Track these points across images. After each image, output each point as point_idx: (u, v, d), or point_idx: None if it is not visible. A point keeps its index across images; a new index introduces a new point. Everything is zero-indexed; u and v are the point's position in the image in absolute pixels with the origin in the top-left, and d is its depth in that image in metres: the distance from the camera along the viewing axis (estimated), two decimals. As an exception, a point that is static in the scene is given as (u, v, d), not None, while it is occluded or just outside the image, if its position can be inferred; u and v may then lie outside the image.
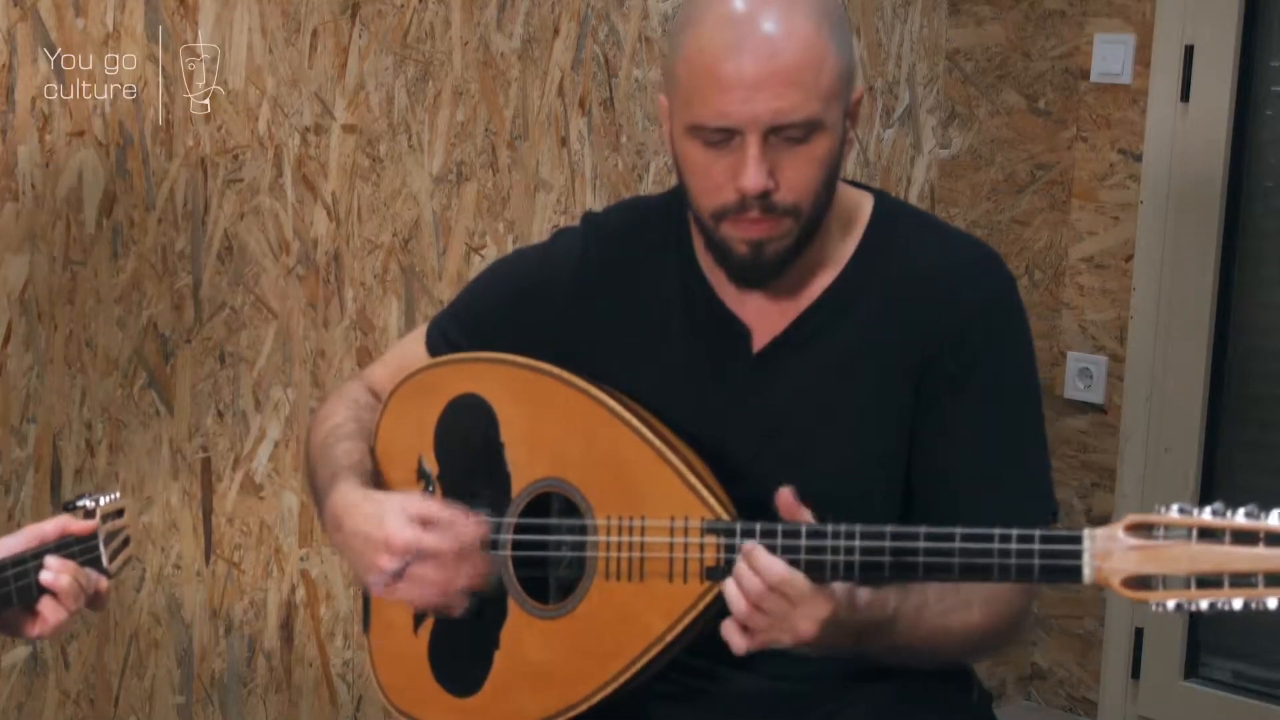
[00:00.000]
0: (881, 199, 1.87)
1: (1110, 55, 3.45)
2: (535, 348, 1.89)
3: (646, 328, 1.87)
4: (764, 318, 1.83)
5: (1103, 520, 3.54)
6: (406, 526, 1.74)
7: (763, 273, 1.77)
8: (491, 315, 1.96)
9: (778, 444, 1.82)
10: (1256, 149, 3.37)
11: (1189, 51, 3.35)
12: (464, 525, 1.76)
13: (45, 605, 1.65)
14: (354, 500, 1.82)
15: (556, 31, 2.83)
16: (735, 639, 1.65)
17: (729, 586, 1.64)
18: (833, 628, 1.64)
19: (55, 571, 1.65)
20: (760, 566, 1.62)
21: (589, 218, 1.96)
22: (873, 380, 1.80)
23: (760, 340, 1.83)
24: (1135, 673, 3.53)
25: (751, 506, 1.78)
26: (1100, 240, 3.53)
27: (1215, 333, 3.40)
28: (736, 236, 1.74)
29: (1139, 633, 3.50)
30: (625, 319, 1.88)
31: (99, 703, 2.47)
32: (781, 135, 1.69)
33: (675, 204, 1.85)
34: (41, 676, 2.41)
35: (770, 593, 1.62)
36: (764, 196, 1.70)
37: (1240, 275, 3.41)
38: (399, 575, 1.75)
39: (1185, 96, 3.36)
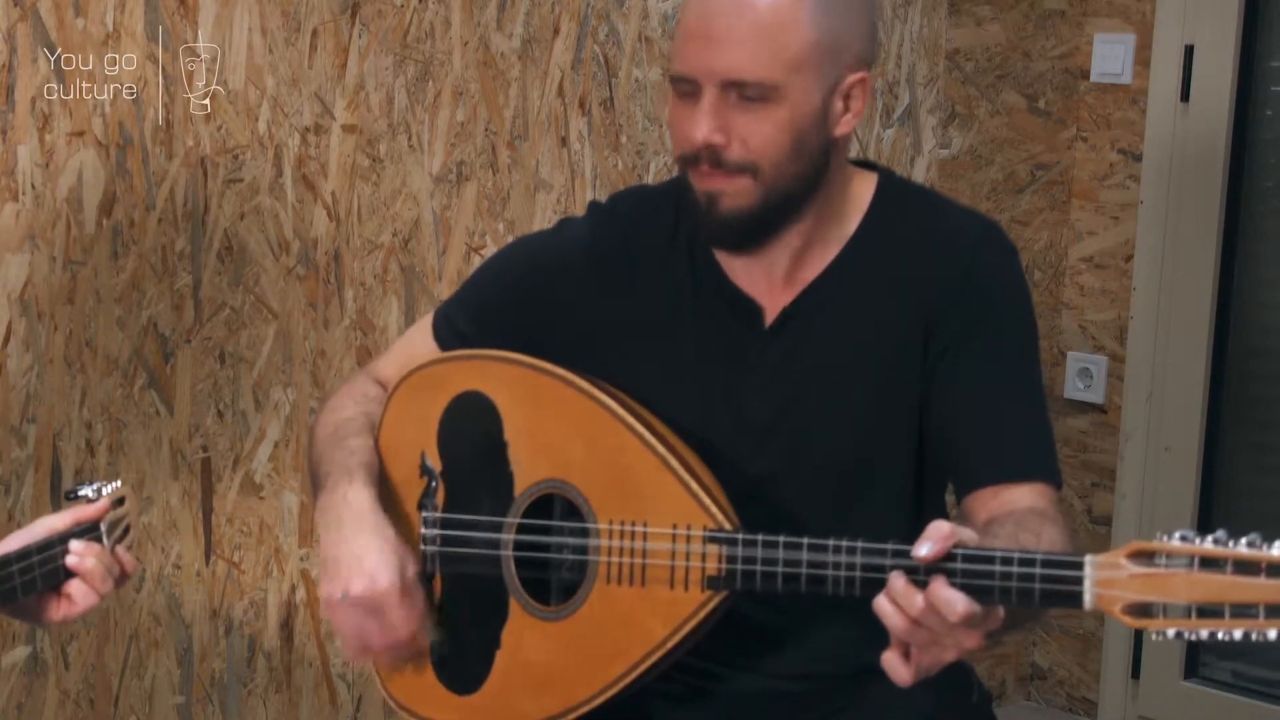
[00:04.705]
0: (886, 177, 1.90)
1: (1110, 55, 3.45)
2: (543, 334, 1.90)
3: (658, 311, 1.88)
4: (773, 294, 1.85)
5: (1103, 520, 3.54)
6: (395, 582, 1.76)
7: (722, 230, 1.80)
8: (498, 302, 1.97)
9: (792, 416, 1.84)
10: (1256, 149, 3.37)
11: (1189, 51, 3.35)
12: (417, 626, 1.80)
13: (75, 588, 1.67)
14: (370, 517, 1.81)
15: (556, 31, 2.83)
16: (899, 670, 1.56)
17: (881, 605, 1.55)
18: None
19: (80, 555, 1.66)
20: (942, 604, 1.51)
21: (595, 206, 1.97)
22: (881, 346, 1.82)
23: (771, 315, 1.85)
24: (1135, 673, 3.53)
25: (769, 482, 1.81)
26: (1100, 240, 3.53)
27: (1215, 333, 3.40)
28: (697, 187, 1.78)
29: (1139, 633, 3.50)
30: (635, 304, 1.89)
31: (99, 703, 2.47)
32: (738, 93, 1.72)
33: (680, 190, 1.86)
34: (41, 676, 2.41)
35: (932, 610, 1.52)
36: (714, 151, 1.73)
37: (1240, 275, 3.41)
38: (350, 603, 1.76)
39: (1185, 96, 3.36)
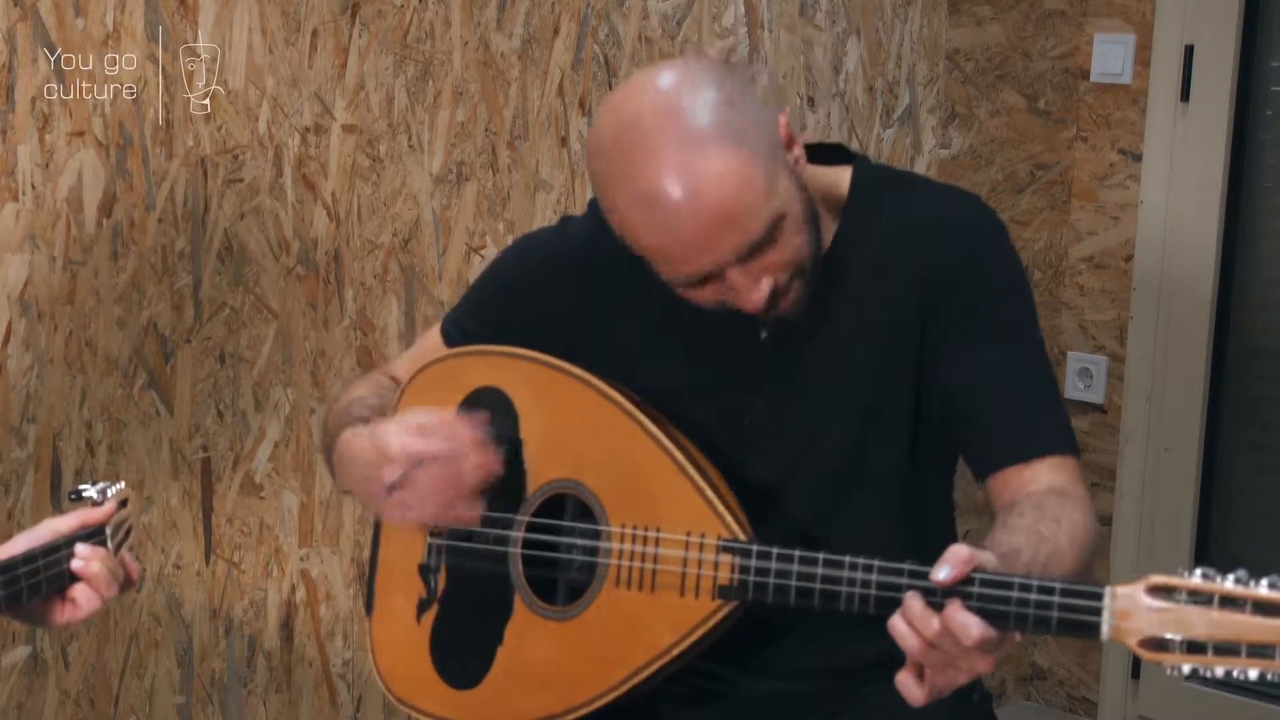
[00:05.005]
0: (860, 169, 1.87)
1: (1110, 55, 3.45)
2: (545, 332, 1.90)
3: (655, 314, 1.88)
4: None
5: (1103, 520, 3.54)
6: (403, 435, 1.75)
7: (791, 318, 1.79)
8: (502, 301, 1.97)
9: (792, 419, 1.84)
10: (1256, 149, 3.37)
11: (1189, 51, 3.35)
12: (459, 424, 1.76)
13: (79, 592, 1.67)
14: (357, 432, 1.83)
15: (556, 31, 2.83)
16: (913, 690, 1.55)
17: (896, 625, 1.54)
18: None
19: (86, 559, 1.66)
20: (957, 627, 1.50)
21: (595, 205, 1.96)
22: (876, 343, 1.82)
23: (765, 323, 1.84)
24: (1135, 673, 3.53)
25: (769, 483, 1.80)
26: (1100, 240, 3.53)
27: (1215, 333, 3.40)
28: (763, 315, 1.75)
29: (1139, 633, 3.50)
30: (634, 305, 1.89)
31: (99, 703, 2.47)
32: (754, 252, 1.68)
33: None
34: (41, 676, 2.40)
35: (947, 633, 1.51)
36: (771, 295, 1.72)
37: (1240, 275, 3.41)
38: (402, 486, 1.74)
39: (1185, 96, 3.36)
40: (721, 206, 1.64)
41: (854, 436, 1.82)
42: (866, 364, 1.82)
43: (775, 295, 1.72)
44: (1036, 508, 1.69)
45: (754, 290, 1.70)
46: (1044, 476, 1.75)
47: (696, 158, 1.64)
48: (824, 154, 1.88)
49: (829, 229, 1.83)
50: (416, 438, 1.75)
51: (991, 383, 1.79)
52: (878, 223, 1.83)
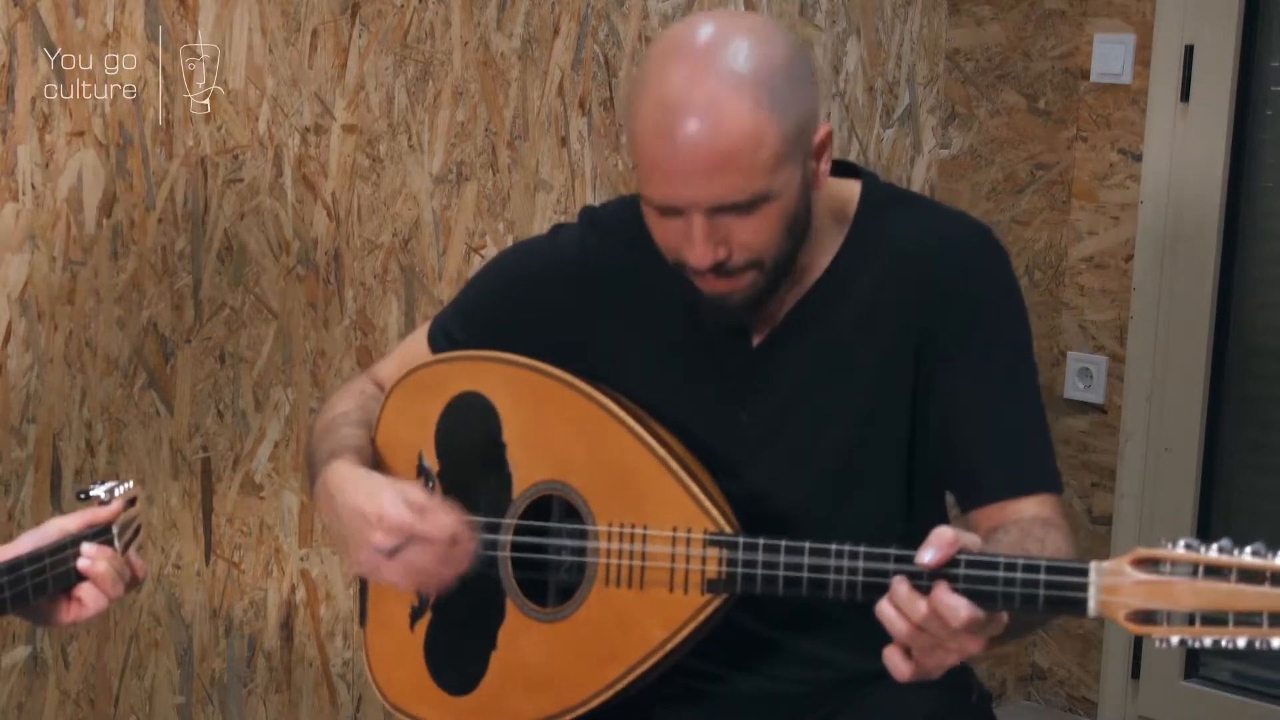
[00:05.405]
0: (869, 184, 1.87)
1: (1110, 55, 3.45)
2: (535, 340, 1.90)
3: (646, 323, 1.88)
4: (761, 311, 1.83)
5: (1103, 520, 3.54)
6: (402, 507, 1.73)
7: (732, 316, 1.79)
8: (491, 308, 1.97)
9: (782, 430, 1.83)
10: (1256, 149, 3.37)
11: (1189, 51, 3.35)
12: (454, 517, 1.75)
13: (85, 592, 1.66)
14: (350, 476, 1.81)
15: (556, 31, 2.83)
16: (899, 665, 1.56)
17: (884, 610, 1.55)
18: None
19: (92, 558, 1.66)
20: (945, 609, 1.51)
21: (587, 213, 1.97)
22: (871, 360, 1.81)
23: (758, 333, 1.84)
24: (1135, 673, 3.53)
25: (757, 500, 1.80)
26: (1100, 240, 3.53)
27: (1215, 333, 3.40)
28: (702, 289, 1.75)
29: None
30: (625, 314, 1.89)
31: (99, 703, 2.47)
32: (727, 211, 1.68)
33: (676, 270, 1.84)
34: (41, 676, 2.41)
35: (935, 616, 1.52)
36: (717, 265, 1.71)
37: (1240, 275, 3.41)
38: (388, 555, 1.73)
39: (1185, 96, 3.36)
40: (723, 152, 1.64)
41: (853, 439, 1.83)
42: (866, 370, 1.81)
43: (722, 268, 1.71)
44: (1022, 530, 1.70)
45: (706, 252, 1.70)
46: (1029, 511, 1.76)
47: (730, 96, 1.64)
48: (833, 168, 1.88)
49: (835, 240, 1.83)
50: (415, 517, 1.73)
51: (980, 416, 1.79)
52: (884, 238, 1.83)
